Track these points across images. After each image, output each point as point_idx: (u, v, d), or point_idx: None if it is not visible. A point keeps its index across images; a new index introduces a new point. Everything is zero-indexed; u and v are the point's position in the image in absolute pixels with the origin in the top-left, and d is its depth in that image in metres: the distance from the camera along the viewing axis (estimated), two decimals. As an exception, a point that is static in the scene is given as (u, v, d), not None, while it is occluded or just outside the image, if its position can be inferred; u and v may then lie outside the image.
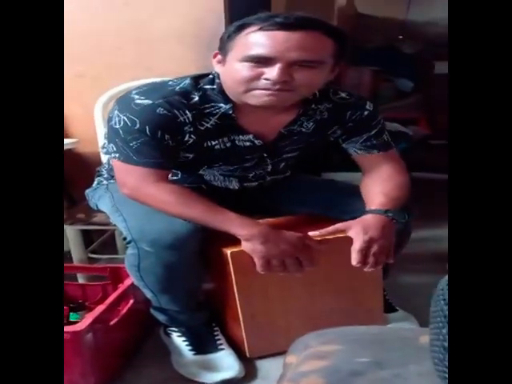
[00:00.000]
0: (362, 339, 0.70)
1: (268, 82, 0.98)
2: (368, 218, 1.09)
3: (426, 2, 3.08)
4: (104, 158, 1.60)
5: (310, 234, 1.08)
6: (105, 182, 1.35)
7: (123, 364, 1.17)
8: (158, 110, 1.04)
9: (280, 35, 0.96)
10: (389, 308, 1.32)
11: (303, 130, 1.17)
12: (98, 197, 1.33)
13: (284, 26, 0.96)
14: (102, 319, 1.08)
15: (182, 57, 1.71)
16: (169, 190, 1.08)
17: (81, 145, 1.75)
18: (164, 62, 1.72)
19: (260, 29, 0.97)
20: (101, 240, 1.65)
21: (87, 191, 1.40)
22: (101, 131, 1.61)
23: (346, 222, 1.09)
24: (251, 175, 1.24)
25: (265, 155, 1.20)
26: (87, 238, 1.59)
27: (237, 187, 1.26)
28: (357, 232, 1.06)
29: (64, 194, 1.77)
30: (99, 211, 1.36)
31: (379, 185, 1.16)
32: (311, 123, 1.17)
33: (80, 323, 1.03)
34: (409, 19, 3.11)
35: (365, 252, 1.04)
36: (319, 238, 1.09)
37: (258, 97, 1.01)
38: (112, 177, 1.33)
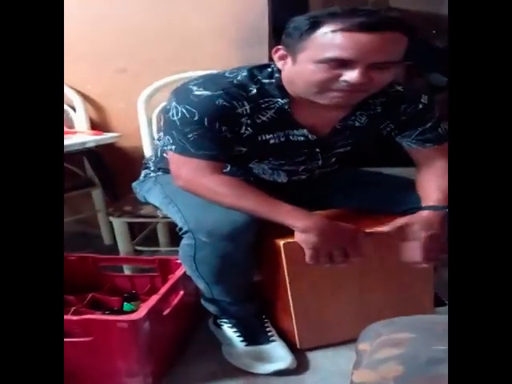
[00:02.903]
0: (435, 328, 0.70)
1: (346, 83, 0.96)
2: (428, 214, 1.09)
3: (459, -5, 3.00)
4: (147, 152, 1.62)
5: (377, 229, 1.08)
6: (152, 174, 1.36)
7: (176, 355, 1.18)
8: (217, 102, 1.03)
9: (363, 38, 0.91)
10: (438, 302, 1.31)
11: (357, 124, 1.16)
12: (147, 189, 1.34)
13: (367, 27, 0.90)
14: (157, 309, 1.09)
15: (223, 52, 1.71)
16: (224, 181, 1.08)
17: (123, 139, 1.77)
18: (206, 56, 1.72)
19: (341, 29, 0.91)
20: (145, 232, 1.67)
21: (134, 184, 1.42)
22: (144, 125, 1.63)
23: (407, 217, 1.09)
24: (301, 169, 1.24)
25: (317, 150, 1.19)
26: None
27: (285, 181, 1.26)
28: (419, 228, 1.06)
29: (107, 187, 1.80)
30: (147, 203, 1.38)
31: (435, 180, 1.14)
32: (364, 117, 1.15)
33: (137, 312, 1.04)
34: (442, 13, 3.05)
35: (428, 248, 1.05)
36: (371, 231, 1.09)
37: (331, 98, 1.00)
38: (159, 169, 1.34)
